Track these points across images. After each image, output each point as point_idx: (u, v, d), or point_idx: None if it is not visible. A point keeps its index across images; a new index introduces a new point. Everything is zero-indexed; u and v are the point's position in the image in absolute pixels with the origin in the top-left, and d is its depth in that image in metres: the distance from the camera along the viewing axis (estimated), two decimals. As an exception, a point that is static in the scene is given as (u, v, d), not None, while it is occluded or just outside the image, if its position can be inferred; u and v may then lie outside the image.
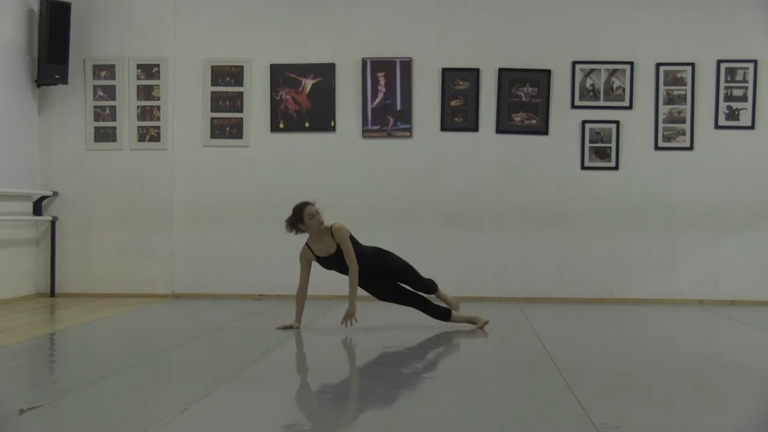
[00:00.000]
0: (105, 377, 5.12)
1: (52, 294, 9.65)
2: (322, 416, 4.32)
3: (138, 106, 9.77)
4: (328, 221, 7.04)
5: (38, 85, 9.65)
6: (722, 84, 9.43)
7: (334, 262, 7.04)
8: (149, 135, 9.77)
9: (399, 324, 7.59)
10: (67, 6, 9.50)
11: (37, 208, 9.64)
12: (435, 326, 7.26)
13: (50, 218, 9.68)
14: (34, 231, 9.76)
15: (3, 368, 5.47)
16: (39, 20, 9.45)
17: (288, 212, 9.59)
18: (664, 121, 9.49)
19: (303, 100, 9.70)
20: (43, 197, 9.67)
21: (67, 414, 4.29)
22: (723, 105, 9.44)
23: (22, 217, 9.49)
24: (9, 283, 9.15)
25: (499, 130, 9.60)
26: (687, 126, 9.48)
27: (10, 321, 7.57)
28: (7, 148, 9.17)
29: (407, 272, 7.23)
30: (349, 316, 6.95)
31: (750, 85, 9.40)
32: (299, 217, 6.99)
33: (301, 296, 7.13)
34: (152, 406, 4.45)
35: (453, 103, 9.61)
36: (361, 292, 7.11)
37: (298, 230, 7.05)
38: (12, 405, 4.32)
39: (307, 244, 7.11)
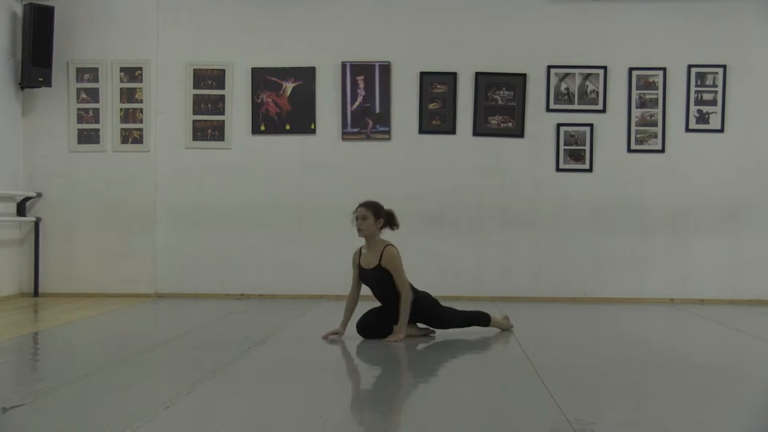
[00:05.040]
0: (88, 376, 5.20)
1: (36, 294, 9.74)
2: (302, 414, 4.42)
3: (121, 109, 9.87)
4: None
5: (22, 88, 9.74)
6: (693, 88, 9.62)
7: (371, 278, 6.70)
8: (132, 137, 9.88)
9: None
10: (51, 10, 9.58)
11: (21, 209, 9.73)
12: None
13: (34, 219, 9.78)
14: (17, 232, 9.85)
15: (-12, 367, 5.56)
16: (23, 24, 9.54)
17: (268, 213, 9.82)
18: (636, 124, 9.68)
19: (284, 103, 9.83)
20: (27, 198, 9.76)
21: (50, 412, 4.36)
22: (693, 109, 9.64)
23: (5, 218, 9.57)
24: (-7, 284, 9.26)
25: (476, 132, 9.76)
26: (659, 129, 9.67)
27: (-6, 321, 7.66)
28: (-9, 150, 9.27)
29: (442, 322, 6.92)
30: (396, 340, 6.59)
31: (719, 89, 9.60)
32: None
33: (351, 302, 6.75)
34: (135, 404, 4.52)
35: (431, 106, 9.76)
36: (364, 290, 6.88)
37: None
38: (-3, 403, 4.40)
39: (360, 247, 6.83)
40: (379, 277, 6.66)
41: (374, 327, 6.74)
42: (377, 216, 6.66)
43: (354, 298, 6.78)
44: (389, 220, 6.73)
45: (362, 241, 6.83)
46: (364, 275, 6.75)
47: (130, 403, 4.60)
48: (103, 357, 5.90)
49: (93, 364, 5.62)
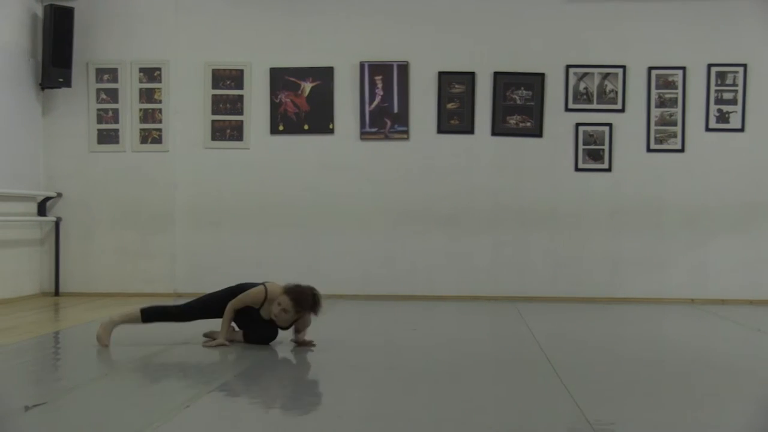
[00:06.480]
0: (108, 375, 5.25)
1: (57, 293, 9.81)
2: (321, 412, 4.44)
3: (140, 109, 9.93)
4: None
5: (42, 88, 9.81)
6: (713, 87, 9.58)
7: (264, 326, 6.32)
8: (151, 137, 9.93)
9: (386, 324, 7.73)
10: (71, 10, 9.65)
11: (42, 209, 9.81)
12: (426, 325, 7.39)
13: (54, 219, 9.85)
14: (38, 231, 9.92)
15: (8, 366, 5.61)
16: (43, 24, 9.61)
17: (286, 213, 9.83)
18: (655, 124, 9.64)
19: (302, 103, 9.86)
20: (47, 198, 9.83)
21: (71, 411, 4.39)
22: (713, 108, 9.60)
23: (26, 217, 9.65)
24: (14, 283, 9.32)
25: (495, 132, 9.75)
26: (678, 128, 9.63)
27: (15, 319, 7.72)
28: (11, 150, 9.34)
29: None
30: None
31: (740, 88, 9.55)
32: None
33: (232, 316, 6.29)
34: (154, 404, 4.55)
35: (449, 105, 9.76)
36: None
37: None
38: (17, 402, 4.45)
39: (266, 291, 6.26)
40: (273, 330, 6.36)
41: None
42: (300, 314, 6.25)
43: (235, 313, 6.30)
44: (315, 310, 6.31)
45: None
46: (256, 320, 6.28)
47: (150, 402, 4.62)
48: (122, 356, 5.93)
49: (113, 363, 5.68)
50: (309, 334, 6.38)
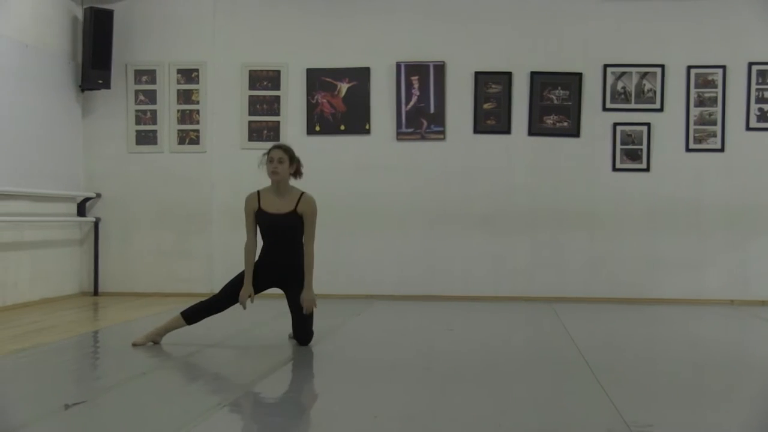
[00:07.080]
0: (146, 374, 5.29)
1: (96, 293, 9.92)
2: (357, 412, 4.44)
3: (178, 110, 10.01)
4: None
5: (82, 90, 9.92)
6: (753, 86, 9.45)
7: (279, 223, 6.24)
8: (189, 138, 10.01)
9: (422, 324, 7.73)
10: (110, 13, 9.75)
11: (81, 210, 9.92)
12: (462, 325, 7.37)
13: (93, 219, 9.96)
14: (78, 232, 10.03)
15: (49, 364, 5.68)
16: (83, 27, 9.72)
17: (322, 213, 9.79)
18: (695, 123, 9.54)
19: (338, 103, 9.88)
20: (87, 199, 9.94)
21: (110, 409, 4.45)
22: (754, 107, 9.47)
23: (66, 218, 9.77)
24: (54, 282, 9.44)
25: (531, 132, 9.70)
26: (718, 128, 9.52)
27: (55, 319, 7.82)
28: (52, 151, 9.46)
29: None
30: (312, 303, 6.26)
31: (781, 87, 9.45)
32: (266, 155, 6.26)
33: (252, 255, 6.28)
34: (191, 403, 4.58)
35: (485, 106, 9.73)
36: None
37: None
38: (58, 400, 4.49)
39: (258, 192, 6.33)
40: (290, 222, 6.28)
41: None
42: (292, 161, 6.31)
43: (255, 250, 6.29)
44: (298, 167, 6.39)
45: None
46: (268, 220, 6.24)
47: (187, 401, 4.66)
48: (160, 355, 5.99)
49: (151, 363, 5.72)
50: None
